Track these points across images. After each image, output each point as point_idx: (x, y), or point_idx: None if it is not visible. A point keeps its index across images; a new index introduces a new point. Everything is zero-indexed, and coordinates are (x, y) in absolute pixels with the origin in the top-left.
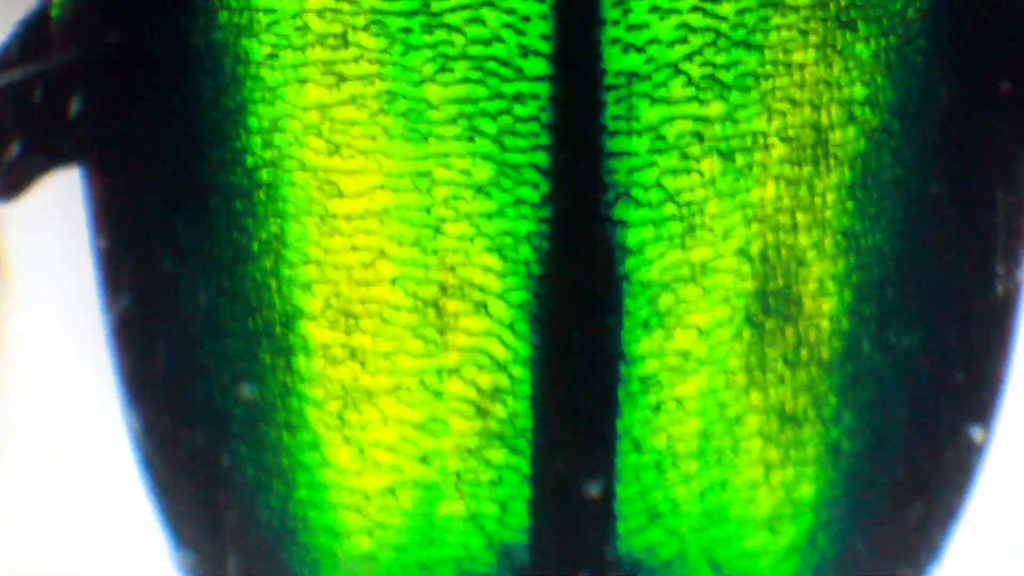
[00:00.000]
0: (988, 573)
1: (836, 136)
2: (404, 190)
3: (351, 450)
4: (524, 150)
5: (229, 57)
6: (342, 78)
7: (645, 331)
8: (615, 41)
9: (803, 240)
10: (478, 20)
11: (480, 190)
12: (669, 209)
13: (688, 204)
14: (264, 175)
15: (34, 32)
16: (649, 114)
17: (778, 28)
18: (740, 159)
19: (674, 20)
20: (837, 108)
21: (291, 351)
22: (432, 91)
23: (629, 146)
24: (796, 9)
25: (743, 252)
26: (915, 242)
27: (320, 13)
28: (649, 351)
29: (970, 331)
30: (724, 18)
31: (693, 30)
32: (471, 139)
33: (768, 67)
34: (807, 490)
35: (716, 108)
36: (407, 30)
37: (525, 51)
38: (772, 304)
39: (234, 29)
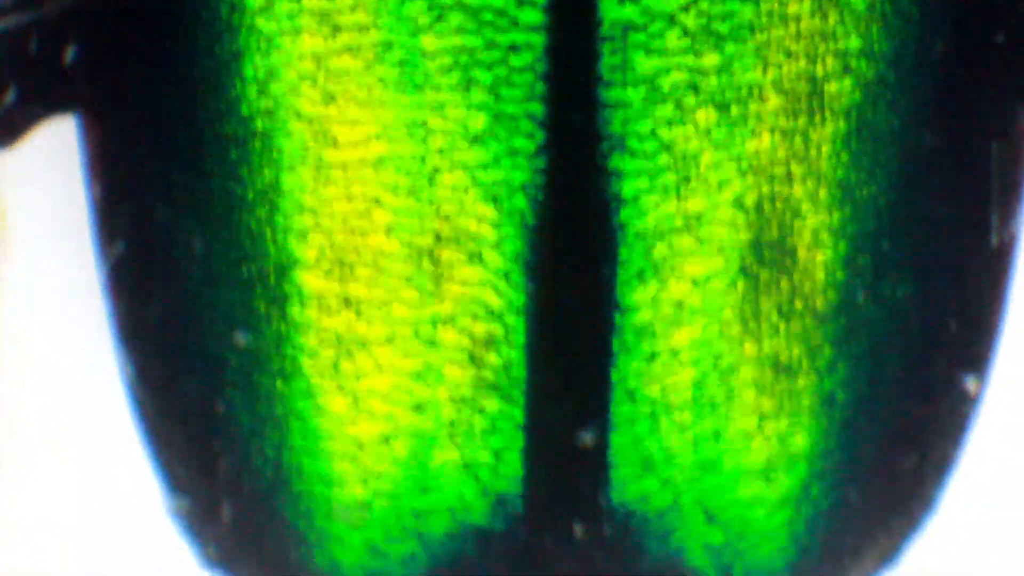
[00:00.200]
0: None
1: (831, 87)
2: (399, 139)
3: (345, 399)
4: (519, 100)
5: (225, 5)
6: (337, 28)
7: (640, 281)
8: None
9: (798, 191)
10: None
11: (475, 140)
12: (664, 160)
13: (683, 155)
14: (259, 124)
15: None
16: (644, 65)
17: None
18: (735, 110)
19: None
20: (832, 59)
21: (285, 299)
22: (427, 41)
23: (624, 97)
24: None
25: (738, 203)
26: (910, 193)
27: None
28: (643, 301)
29: (965, 281)
30: None
31: None
32: (466, 89)
33: (763, 18)
34: (801, 440)
35: (711, 59)
36: None
37: (521, 1)
38: (767, 255)
39: None
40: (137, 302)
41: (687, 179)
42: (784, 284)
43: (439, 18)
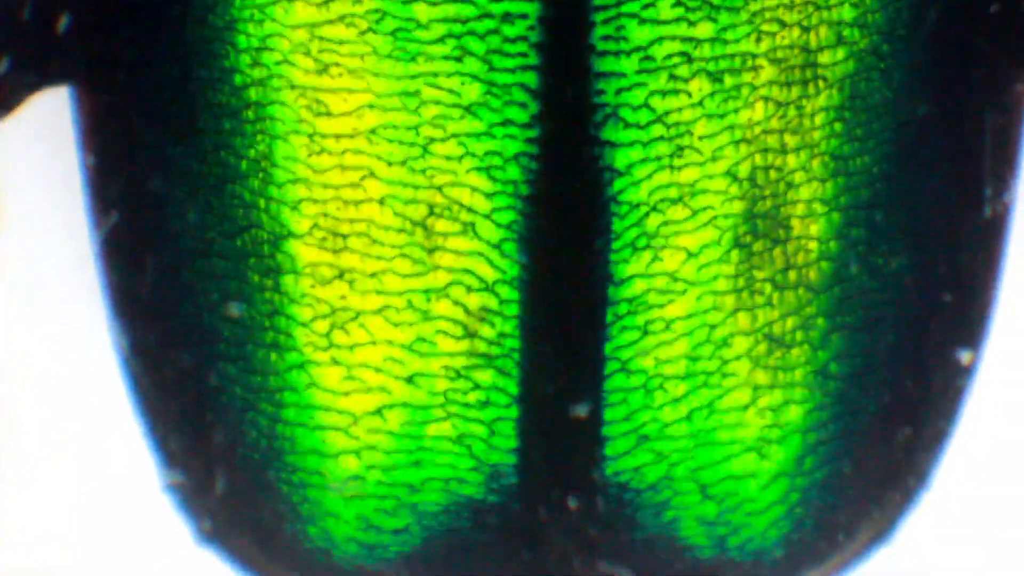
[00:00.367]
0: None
1: (825, 58)
2: (392, 109)
3: (338, 371)
4: (512, 70)
5: None
6: None
7: (633, 253)
8: None
9: (791, 162)
10: None
11: (468, 110)
12: (657, 130)
13: (676, 125)
14: (252, 94)
15: None
16: (638, 34)
17: None
18: (729, 80)
19: None
20: (826, 30)
21: (279, 271)
22: (420, 10)
23: (617, 67)
24: None
25: (731, 174)
26: (904, 164)
27: None
28: (637, 273)
29: (958, 253)
30: None
31: None
32: (459, 59)
33: None
34: (795, 413)
35: (705, 29)
36: None
37: None
38: (760, 226)
39: None
40: (130, 273)
41: (680, 150)
42: (778, 256)
43: None
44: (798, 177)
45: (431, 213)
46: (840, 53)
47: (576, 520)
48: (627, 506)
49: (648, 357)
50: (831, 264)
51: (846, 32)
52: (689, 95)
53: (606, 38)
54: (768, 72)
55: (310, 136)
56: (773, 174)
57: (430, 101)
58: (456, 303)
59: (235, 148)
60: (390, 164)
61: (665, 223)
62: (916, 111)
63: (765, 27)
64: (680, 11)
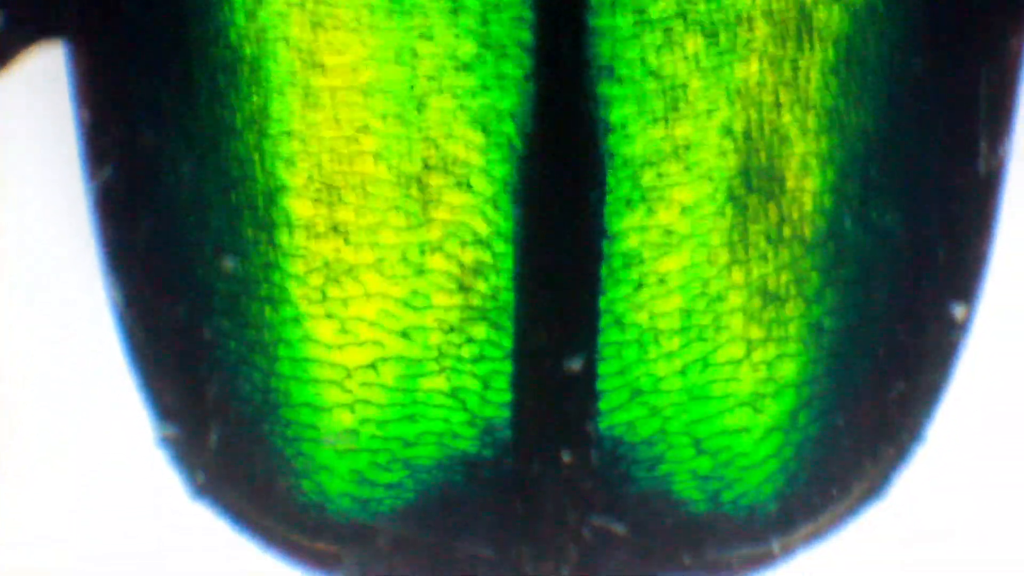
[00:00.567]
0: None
1: (820, 14)
2: (387, 65)
3: (333, 325)
4: (508, 26)
5: None
6: None
7: (628, 207)
8: None
9: (786, 118)
10: None
11: (464, 66)
12: (652, 86)
13: (671, 81)
14: (247, 49)
15: None
16: None
17: None
18: (724, 37)
19: None
20: None
21: (273, 225)
22: None
23: (612, 22)
24: None
25: (726, 129)
26: (898, 120)
27: None
28: (631, 227)
29: (953, 208)
30: None
31: None
32: (455, 14)
33: None
34: (789, 368)
35: None
36: None
37: None
38: (755, 181)
39: None
40: (125, 227)
41: (675, 106)
42: (772, 211)
43: None
44: (793, 133)
45: (425, 167)
46: (835, 10)
47: (570, 474)
48: (621, 460)
49: (642, 311)
50: (825, 219)
51: None
52: (684, 51)
53: None
54: (763, 29)
55: (305, 91)
56: (768, 130)
57: (425, 57)
58: (451, 258)
59: (230, 103)
60: (385, 119)
61: (659, 178)
62: (911, 67)
63: None
64: None
